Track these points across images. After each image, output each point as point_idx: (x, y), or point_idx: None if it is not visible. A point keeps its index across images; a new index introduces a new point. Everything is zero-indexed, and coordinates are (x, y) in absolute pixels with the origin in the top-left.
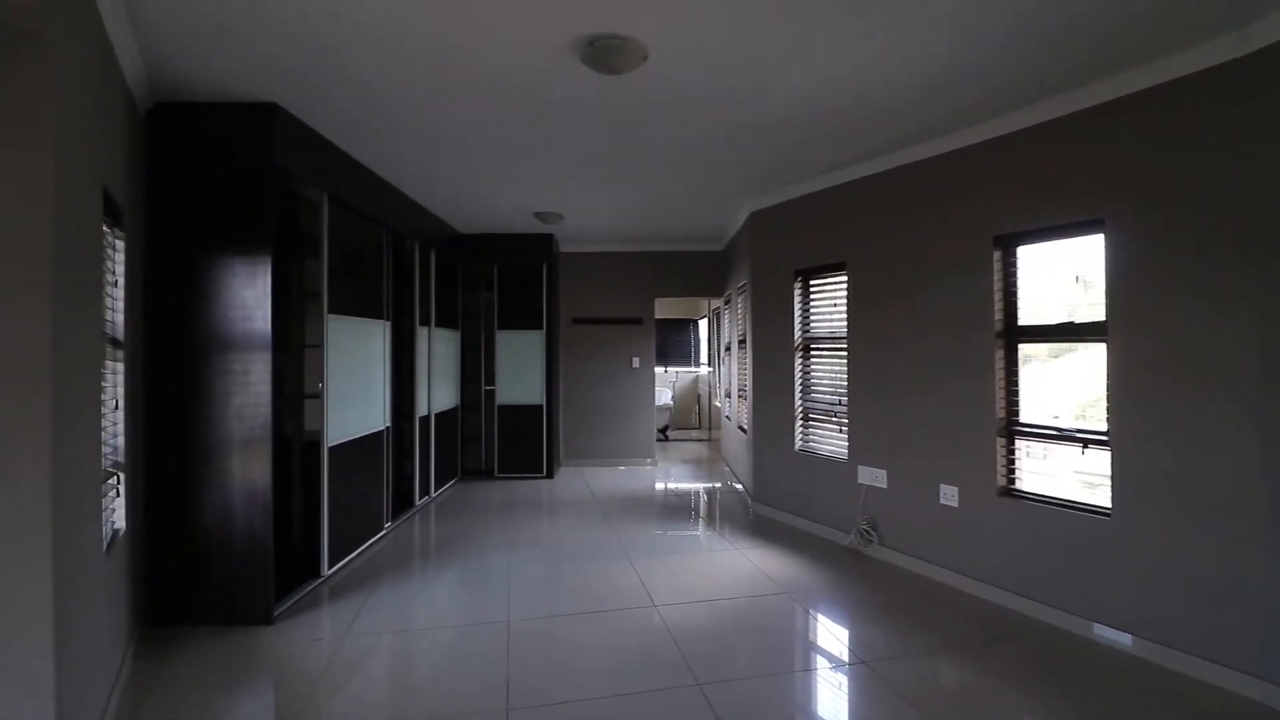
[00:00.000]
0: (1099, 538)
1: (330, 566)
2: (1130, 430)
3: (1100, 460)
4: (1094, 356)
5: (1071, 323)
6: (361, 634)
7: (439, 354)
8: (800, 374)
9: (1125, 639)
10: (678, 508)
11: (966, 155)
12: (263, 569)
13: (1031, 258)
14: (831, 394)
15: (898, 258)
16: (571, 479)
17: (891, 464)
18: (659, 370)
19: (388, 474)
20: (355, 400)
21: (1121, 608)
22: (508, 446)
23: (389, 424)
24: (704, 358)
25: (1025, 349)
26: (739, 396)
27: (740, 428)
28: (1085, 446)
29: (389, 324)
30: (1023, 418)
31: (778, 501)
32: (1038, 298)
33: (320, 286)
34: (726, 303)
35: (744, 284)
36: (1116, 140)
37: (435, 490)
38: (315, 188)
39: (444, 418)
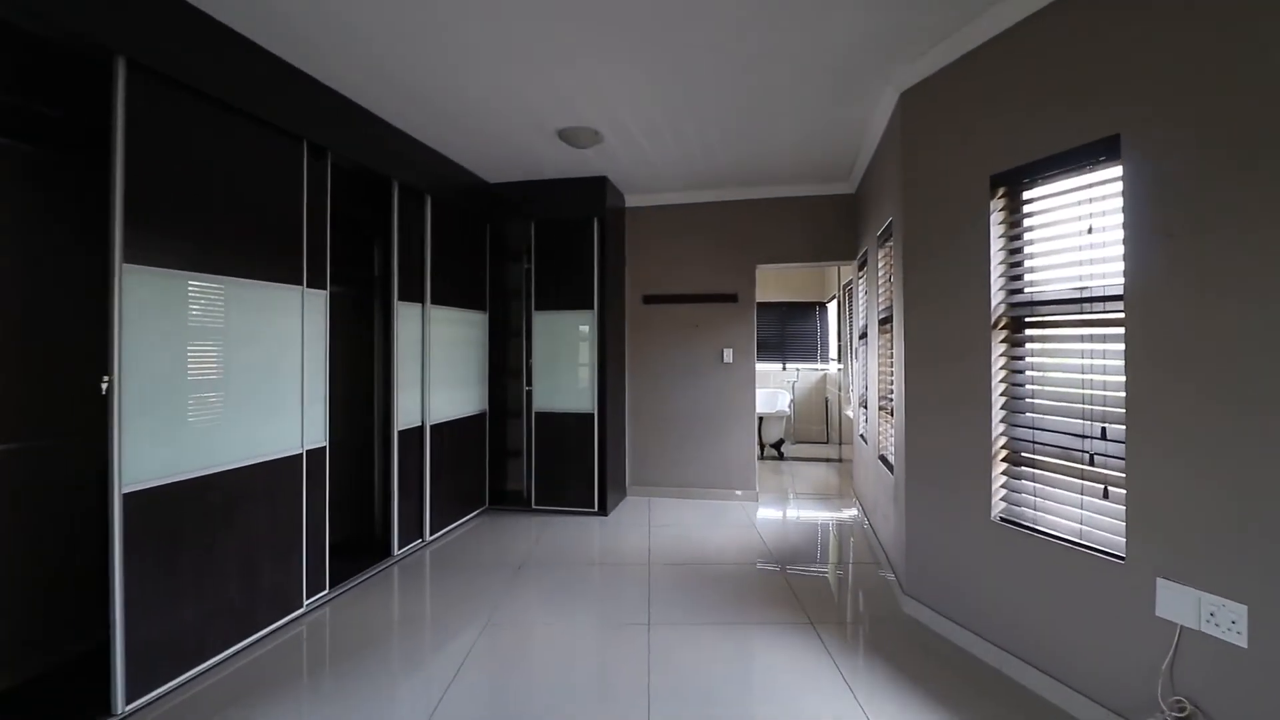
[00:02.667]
0: None
1: (134, 698)
2: None
3: None
4: None
5: None
6: None
7: (444, 342)
8: (1002, 374)
9: None
10: (773, 593)
11: None
12: None
13: None
14: (1077, 415)
15: None
16: (631, 518)
17: (1265, 593)
18: (772, 368)
19: (311, 522)
20: (221, 409)
21: None
22: (547, 469)
23: (319, 445)
24: (833, 351)
25: None
26: (879, 409)
27: (882, 459)
28: None
29: (316, 293)
30: None
31: (951, 606)
32: None
33: (111, 216)
34: (861, 268)
35: (887, 225)
36: None
37: (435, 532)
38: (103, 43)
39: (455, 430)
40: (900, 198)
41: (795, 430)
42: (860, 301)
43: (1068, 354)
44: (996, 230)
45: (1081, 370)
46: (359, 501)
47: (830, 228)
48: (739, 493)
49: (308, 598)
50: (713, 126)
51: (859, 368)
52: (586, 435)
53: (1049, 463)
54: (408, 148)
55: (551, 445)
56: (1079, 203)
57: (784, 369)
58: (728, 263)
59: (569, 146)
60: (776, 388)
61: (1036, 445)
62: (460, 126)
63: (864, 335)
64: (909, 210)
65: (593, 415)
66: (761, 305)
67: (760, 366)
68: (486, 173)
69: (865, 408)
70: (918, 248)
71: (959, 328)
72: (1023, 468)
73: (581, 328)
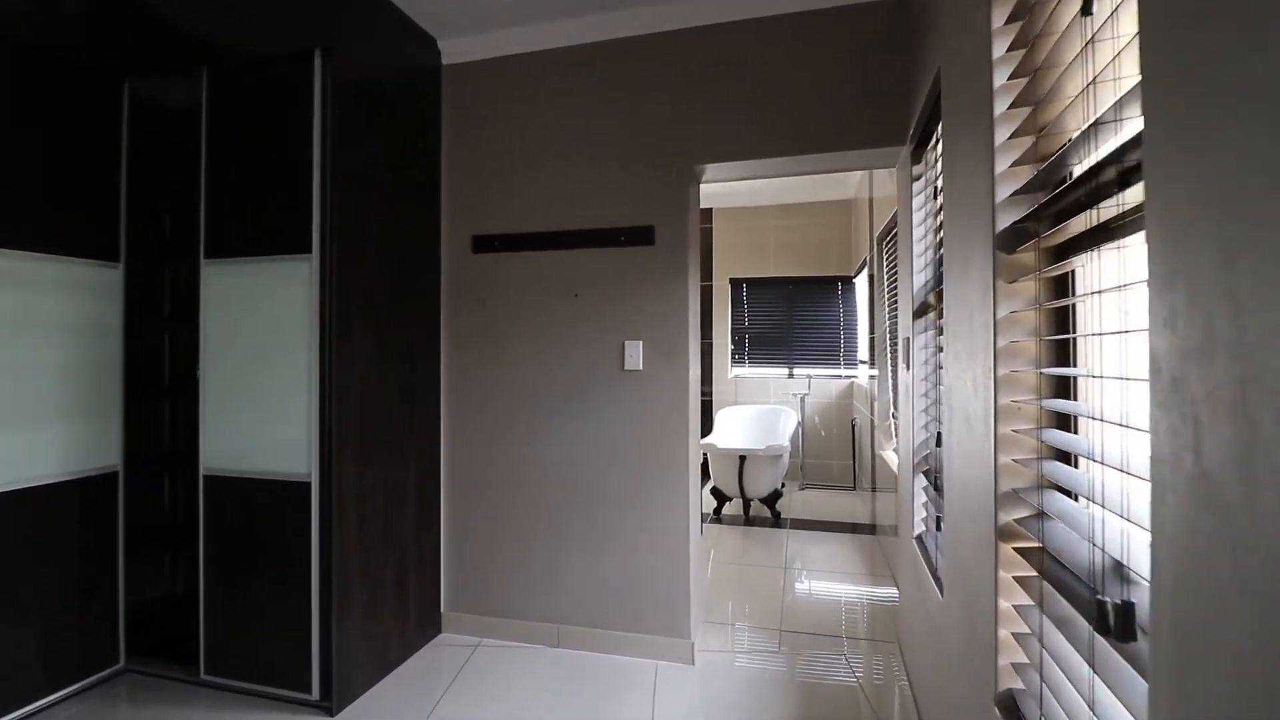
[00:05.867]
0: None
1: None
2: None
3: None
4: None
5: None
6: None
7: None
8: None
9: None
10: None
11: None
12: None
13: None
14: None
15: None
16: None
17: None
18: (771, 374)
19: None
20: None
21: None
22: (226, 599)
23: None
24: (863, 351)
25: None
26: (995, 525)
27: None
28: None
29: None
30: None
31: None
32: None
33: None
34: (919, 151)
35: None
36: None
37: None
38: None
39: None
40: None
41: (804, 468)
42: (916, 233)
43: None
44: None
45: None
46: None
47: (850, 79)
48: (661, 642)
49: None
50: None
51: (912, 381)
52: (299, 528)
53: None
54: None
55: (234, 547)
56: None
57: (790, 376)
58: (637, 166)
59: None
60: (777, 404)
61: None
62: None
63: (922, 310)
64: None
65: (309, 485)
66: (756, 282)
67: (755, 372)
68: None
69: (932, 482)
70: None
71: None
72: None
73: (293, 294)
